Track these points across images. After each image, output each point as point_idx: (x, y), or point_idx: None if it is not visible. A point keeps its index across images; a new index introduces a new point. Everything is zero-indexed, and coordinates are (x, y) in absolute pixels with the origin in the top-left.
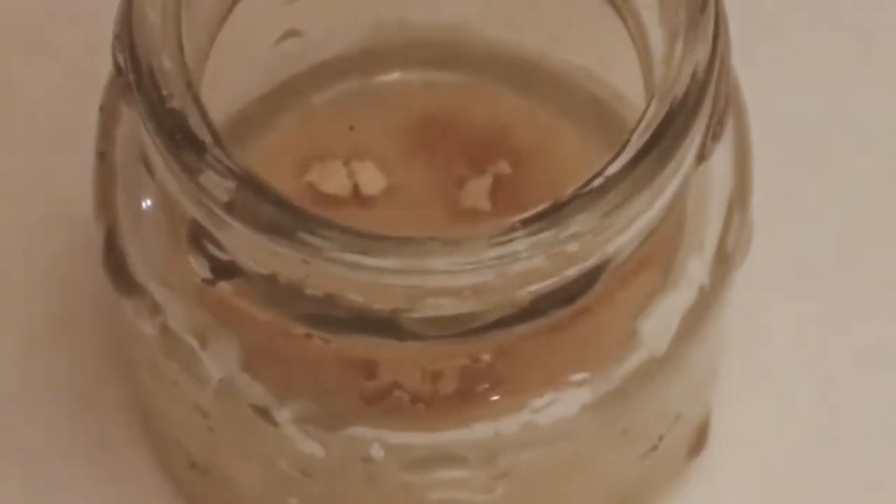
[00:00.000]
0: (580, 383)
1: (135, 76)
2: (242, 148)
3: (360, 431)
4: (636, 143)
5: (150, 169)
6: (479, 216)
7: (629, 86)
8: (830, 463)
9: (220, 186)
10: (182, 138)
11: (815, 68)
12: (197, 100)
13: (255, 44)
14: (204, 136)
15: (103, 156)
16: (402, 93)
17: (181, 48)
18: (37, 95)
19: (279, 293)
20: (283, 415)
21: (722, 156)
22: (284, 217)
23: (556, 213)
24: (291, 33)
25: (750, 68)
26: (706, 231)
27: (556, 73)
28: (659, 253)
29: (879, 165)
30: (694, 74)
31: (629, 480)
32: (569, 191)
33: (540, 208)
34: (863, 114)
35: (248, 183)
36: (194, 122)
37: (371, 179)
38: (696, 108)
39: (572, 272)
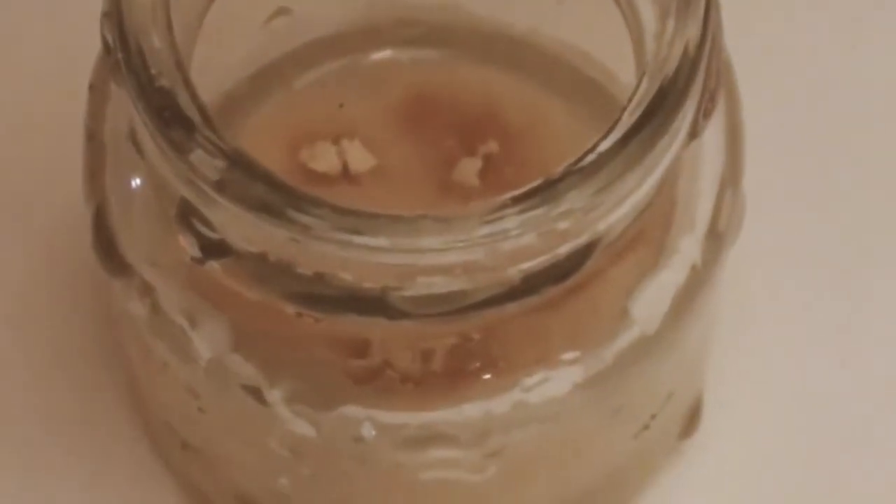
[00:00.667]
0: (571, 362)
1: (124, 55)
2: (232, 126)
3: (351, 411)
4: (627, 120)
5: (139, 148)
6: (468, 194)
7: (620, 63)
8: (822, 443)
9: (209, 165)
10: (171, 117)
11: (806, 45)
12: (186, 78)
13: (245, 22)
14: (193, 114)
15: (92, 134)
16: (392, 71)
17: (170, 27)
18: (25, 74)
19: (269, 272)
20: (274, 395)
21: (713, 133)
22: (274, 195)
23: (547, 190)
24: (281, 12)
25: (741, 45)
26: (698, 209)
27: (546, 51)
28: (651, 231)
29: (872, 143)
30: (685, 51)
31: (621, 460)
32: (560, 168)
33: (531, 185)
34: (855, 91)
35: (238, 161)
36: (183, 100)
37: (360, 158)
38: (687, 85)
39: (564, 250)
